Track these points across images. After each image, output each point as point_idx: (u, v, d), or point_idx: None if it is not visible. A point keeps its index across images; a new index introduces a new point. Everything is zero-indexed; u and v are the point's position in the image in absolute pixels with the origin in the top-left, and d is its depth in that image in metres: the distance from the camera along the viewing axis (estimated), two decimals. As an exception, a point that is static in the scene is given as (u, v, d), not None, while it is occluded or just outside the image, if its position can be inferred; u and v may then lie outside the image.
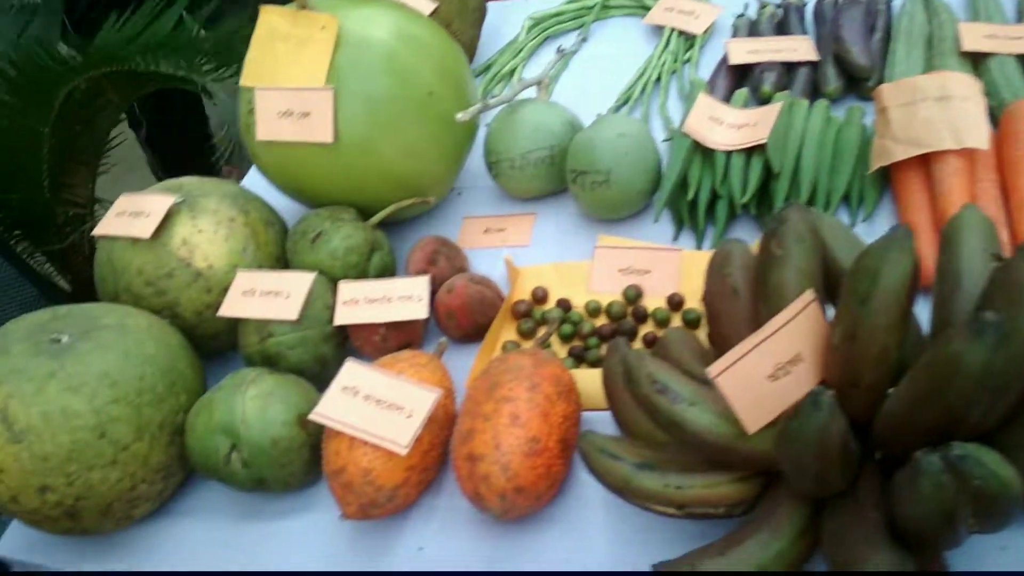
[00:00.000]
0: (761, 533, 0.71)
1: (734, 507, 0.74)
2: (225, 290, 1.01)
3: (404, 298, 1.00)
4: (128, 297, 1.01)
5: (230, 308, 0.99)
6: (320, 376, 0.99)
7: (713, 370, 0.68)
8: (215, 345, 1.05)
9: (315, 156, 1.05)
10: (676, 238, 1.08)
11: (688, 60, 1.31)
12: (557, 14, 1.46)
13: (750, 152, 1.06)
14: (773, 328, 0.69)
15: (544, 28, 1.44)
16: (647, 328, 0.98)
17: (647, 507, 0.74)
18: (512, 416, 0.80)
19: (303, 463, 0.90)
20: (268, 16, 1.08)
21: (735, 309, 0.77)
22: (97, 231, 1.03)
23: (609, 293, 1.03)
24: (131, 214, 1.02)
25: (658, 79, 1.30)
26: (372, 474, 0.82)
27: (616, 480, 0.74)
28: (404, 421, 0.83)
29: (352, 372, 0.87)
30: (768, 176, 1.03)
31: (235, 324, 1.02)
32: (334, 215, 1.06)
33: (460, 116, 1.07)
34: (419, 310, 0.99)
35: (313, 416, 0.84)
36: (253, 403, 0.88)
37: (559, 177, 1.15)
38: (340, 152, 1.04)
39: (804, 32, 1.26)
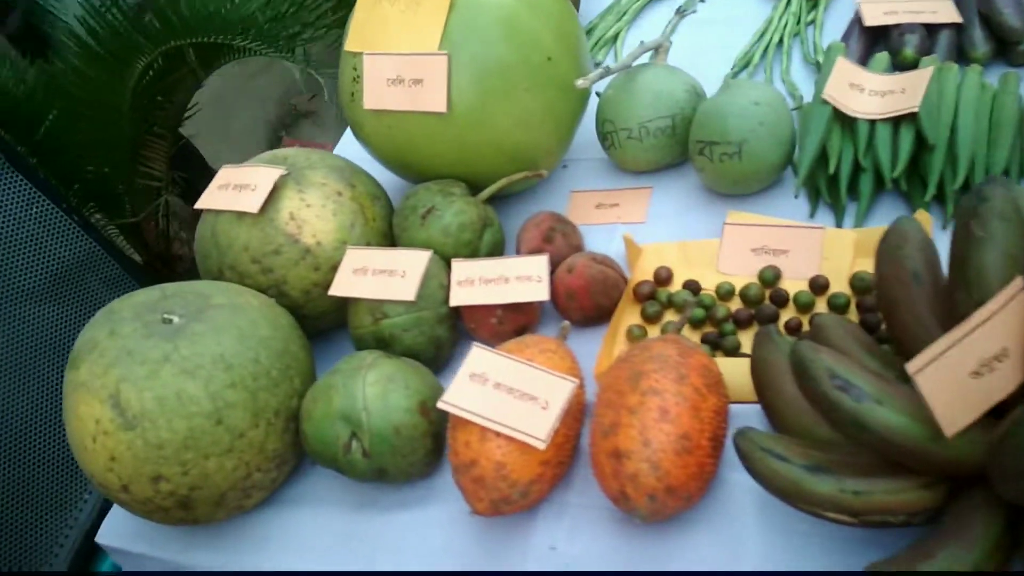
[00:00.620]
0: (954, 545, 0.63)
1: (915, 515, 0.67)
2: (333, 268, 0.96)
3: (522, 278, 0.93)
4: (233, 275, 0.96)
5: (342, 287, 0.93)
6: (434, 360, 0.94)
7: (912, 366, 0.61)
8: (320, 325, 1.00)
9: (425, 126, 0.99)
10: (813, 214, 1.00)
11: (812, 22, 1.22)
12: (661, -26, 1.37)
13: (897, 122, 0.97)
14: (978, 320, 0.61)
15: (650, -12, 1.36)
16: (788, 313, 0.91)
17: (817, 513, 0.68)
18: (661, 410, 0.73)
19: (425, 452, 0.84)
20: (375, -24, 1.02)
21: (917, 296, 0.70)
22: (201, 204, 0.99)
23: (740, 275, 0.96)
24: (235, 187, 0.97)
25: (779, 42, 1.21)
26: (506, 468, 0.76)
27: (784, 484, 0.68)
28: (540, 412, 0.77)
29: (480, 358, 0.81)
30: (919, 148, 0.95)
31: (343, 304, 0.97)
32: (444, 189, 1.00)
33: (580, 82, 1.00)
34: (539, 291, 0.92)
35: (442, 404, 0.79)
36: (374, 389, 0.83)
37: (680, 148, 1.07)
38: (452, 122, 0.98)
39: (941, -9, 1.16)
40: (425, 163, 1.02)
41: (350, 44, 1.03)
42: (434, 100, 0.96)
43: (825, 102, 1.00)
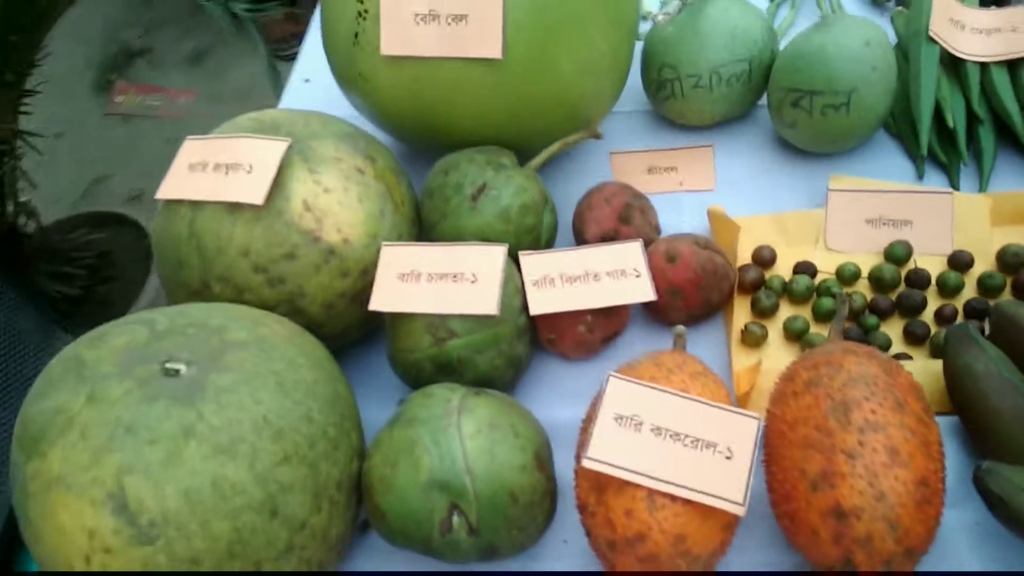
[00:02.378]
0: None
1: None
2: (364, 272, 0.72)
3: (615, 274, 0.73)
4: (225, 289, 0.70)
5: (387, 299, 0.70)
6: (508, 386, 0.73)
7: None
8: (337, 345, 0.76)
9: (468, 77, 0.75)
10: (921, 176, 0.85)
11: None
12: None
13: (1013, 66, 0.84)
14: None
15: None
16: (932, 300, 0.76)
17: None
18: (890, 451, 0.57)
19: (545, 519, 0.64)
20: None
21: None
22: (168, 192, 0.71)
23: (855, 252, 0.80)
24: (218, 166, 0.70)
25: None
26: (686, 542, 0.57)
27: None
28: (725, 464, 0.58)
29: (626, 395, 0.61)
30: (1047, 96, 0.82)
31: (369, 318, 0.74)
32: (492, 160, 0.77)
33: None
34: (641, 289, 0.73)
35: (590, 463, 0.58)
36: (476, 443, 0.61)
37: (752, 97, 0.89)
38: (506, 70, 0.75)
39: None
40: (462, 125, 0.79)
41: (352, -33, 0.77)
42: (485, 42, 0.73)
43: (932, 41, 0.85)
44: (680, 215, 0.87)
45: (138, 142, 2.54)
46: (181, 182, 0.71)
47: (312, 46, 1.12)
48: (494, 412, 0.63)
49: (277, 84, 1.31)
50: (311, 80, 1.08)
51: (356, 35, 0.77)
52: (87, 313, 1.67)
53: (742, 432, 0.59)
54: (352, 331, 0.76)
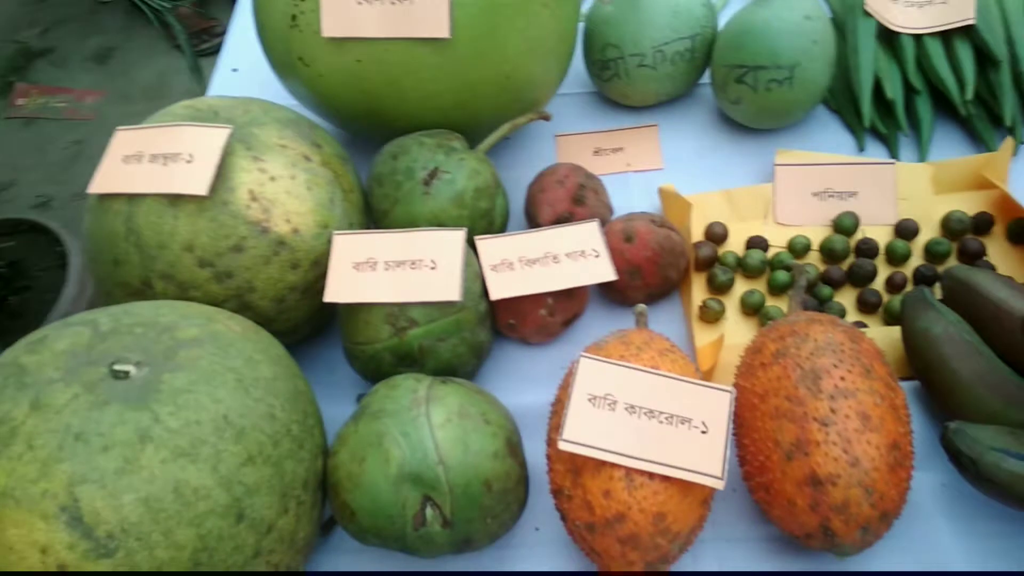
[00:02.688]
0: None
1: None
2: (315, 263, 0.69)
3: (574, 255, 0.72)
4: (169, 286, 0.66)
5: (342, 290, 0.67)
6: (471, 374, 0.72)
7: None
8: (287, 342, 0.73)
9: (413, 58, 0.73)
10: (862, 148, 0.86)
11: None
12: None
13: (946, 36, 0.86)
14: None
15: None
16: (886, 269, 0.77)
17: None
18: (862, 417, 0.57)
19: (519, 506, 0.63)
20: None
21: None
22: (101, 186, 0.67)
23: (803, 224, 0.81)
24: (155, 157, 0.67)
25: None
26: (666, 520, 0.57)
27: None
28: (701, 439, 0.58)
29: (593, 373, 0.60)
30: (981, 67, 0.84)
31: (320, 311, 0.71)
32: (443, 143, 0.75)
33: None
34: (601, 269, 0.72)
35: (566, 445, 0.57)
36: (447, 432, 0.59)
37: (695, 75, 0.89)
38: (452, 51, 0.73)
39: None
40: (408, 109, 0.77)
41: (287, -54, 0.73)
42: (431, 21, 0.71)
43: (868, 15, 0.86)
44: (629, 195, 0.86)
45: (43, 146, 2.42)
46: (115, 175, 0.66)
47: (239, 33, 1.08)
48: (463, 400, 0.61)
49: (200, 77, 1.26)
50: (239, 69, 1.04)
51: (294, 17, 0.74)
52: (1, 324, 1.59)
53: (715, 406, 0.59)
54: (303, 326, 0.73)
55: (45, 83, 2.63)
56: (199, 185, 0.64)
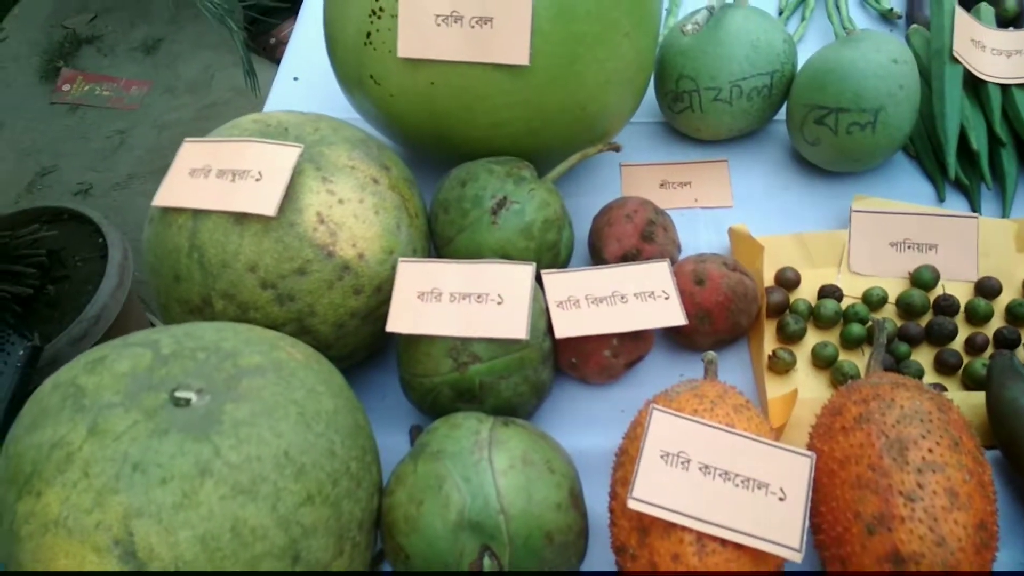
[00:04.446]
0: None
1: None
2: (378, 289, 0.67)
3: (643, 295, 0.70)
4: (229, 306, 0.64)
5: (405, 320, 0.65)
6: (530, 415, 0.69)
7: None
8: (342, 367, 0.71)
9: (489, 83, 0.71)
10: (943, 199, 0.83)
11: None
12: None
13: (1034, 88, 0.83)
14: None
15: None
16: (965, 328, 0.74)
17: None
18: (950, 494, 0.54)
19: (577, 559, 0.60)
20: None
21: None
22: (166, 199, 0.65)
23: (878, 275, 0.78)
24: (223, 173, 0.65)
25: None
26: (737, 589, 0.54)
27: None
28: (778, 506, 0.55)
29: (666, 428, 0.57)
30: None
31: (378, 336, 0.69)
32: (512, 172, 0.73)
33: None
34: (670, 312, 0.69)
35: (636, 504, 0.55)
36: (510, 480, 0.57)
37: (770, 113, 0.87)
38: (530, 78, 0.71)
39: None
40: (477, 134, 0.75)
41: (367, -39, 0.71)
42: (511, 47, 0.69)
43: (956, 61, 0.83)
44: (696, 232, 0.83)
45: (87, 133, 2.43)
46: (182, 189, 0.65)
47: (301, 41, 1.06)
48: (527, 445, 0.59)
49: (255, 84, 1.25)
50: (300, 78, 1.02)
51: (368, 34, 0.72)
52: (39, 313, 1.58)
53: (795, 471, 0.56)
54: (360, 352, 0.71)
55: (91, 70, 2.64)
56: (267, 205, 0.62)
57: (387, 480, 0.62)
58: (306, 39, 1.05)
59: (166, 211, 0.66)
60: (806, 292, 0.78)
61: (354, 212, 0.66)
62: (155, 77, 2.54)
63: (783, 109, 0.86)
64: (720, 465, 0.56)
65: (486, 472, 0.57)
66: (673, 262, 0.76)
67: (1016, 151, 0.82)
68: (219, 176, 0.65)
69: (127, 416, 0.51)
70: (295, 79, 1.02)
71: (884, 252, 0.78)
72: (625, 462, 0.59)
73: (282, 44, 2.31)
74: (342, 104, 0.83)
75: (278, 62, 1.11)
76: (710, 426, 0.57)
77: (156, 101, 2.44)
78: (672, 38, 0.85)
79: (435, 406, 0.66)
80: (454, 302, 0.65)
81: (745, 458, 0.56)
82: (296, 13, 1.16)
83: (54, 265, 1.71)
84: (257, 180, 0.63)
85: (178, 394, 0.52)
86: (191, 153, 0.67)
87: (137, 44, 2.68)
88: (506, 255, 0.71)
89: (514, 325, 0.64)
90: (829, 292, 0.76)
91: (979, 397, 0.66)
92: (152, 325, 1.46)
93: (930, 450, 0.55)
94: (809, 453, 0.57)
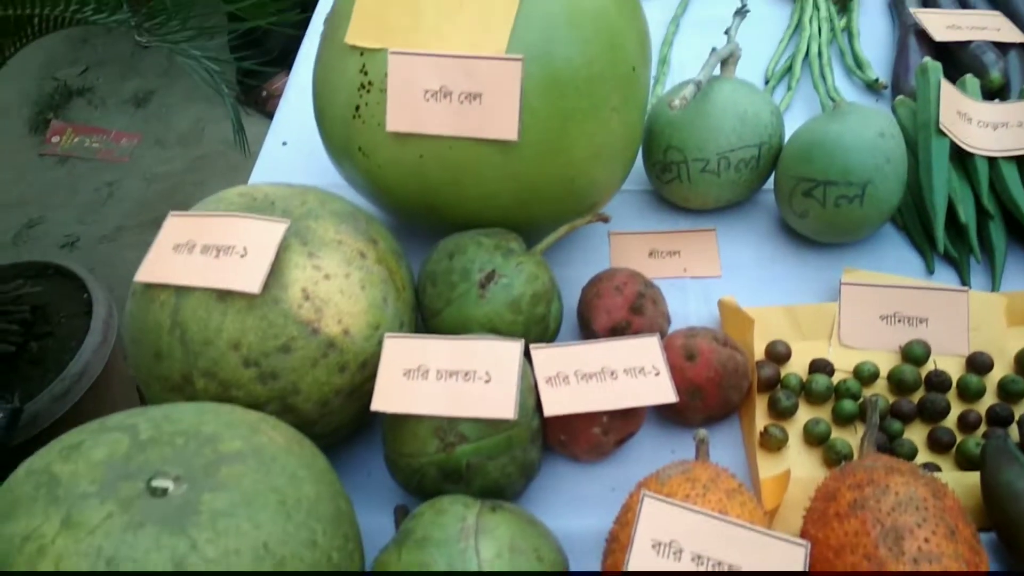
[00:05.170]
0: None
1: None
2: (363, 366, 0.66)
3: (632, 371, 0.69)
4: (211, 384, 0.63)
5: (391, 399, 0.64)
6: (516, 496, 0.68)
7: None
8: (326, 444, 0.69)
9: (478, 157, 0.71)
10: (932, 270, 0.83)
11: (845, 28, 1.06)
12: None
13: (1021, 160, 0.83)
14: None
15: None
16: (957, 405, 0.74)
17: None
18: (947, 585, 0.53)
19: (566, 651, 0.58)
20: (392, -59, 0.71)
21: None
22: (149, 275, 0.64)
23: (869, 348, 0.77)
24: (207, 248, 0.64)
25: (809, 52, 1.04)
26: None
27: None
28: (772, 598, 0.54)
29: (657, 516, 0.56)
30: (1057, 195, 0.81)
31: (361, 413, 0.68)
32: (500, 244, 0.73)
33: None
34: (662, 389, 0.68)
35: (627, 598, 0.53)
36: (496, 570, 0.55)
37: (758, 183, 0.87)
38: (518, 153, 0.71)
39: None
40: (467, 207, 0.74)
41: (355, 35, 0.72)
42: (500, 123, 0.69)
43: (942, 134, 0.84)
44: (686, 303, 0.83)
45: (75, 185, 2.42)
46: (164, 264, 0.64)
47: (292, 106, 1.06)
48: (515, 533, 0.58)
49: (245, 143, 1.25)
50: (289, 141, 1.02)
51: (357, 108, 0.72)
52: (21, 371, 1.56)
53: (789, 561, 0.55)
54: (344, 429, 0.69)
55: (82, 122, 2.65)
56: (252, 283, 0.61)
57: (370, 566, 0.60)
58: (297, 103, 1.05)
59: (148, 287, 0.65)
60: (797, 366, 0.77)
61: (340, 288, 0.65)
62: (145, 129, 2.54)
63: (771, 179, 0.86)
64: (713, 555, 0.55)
65: (472, 562, 0.55)
66: (663, 335, 0.75)
67: (1004, 224, 0.82)
68: (203, 252, 0.64)
69: (102, 508, 0.49)
70: (284, 143, 1.02)
71: (874, 325, 0.78)
72: (616, 549, 0.58)
73: (274, 97, 2.32)
74: (332, 167, 0.83)
75: (270, 115, 1.11)
76: (703, 514, 0.56)
77: (146, 153, 2.44)
78: (660, 108, 0.86)
79: (421, 487, 0.65)
80: (441, 380, 0.64)
81: (739, 547, 0.55)
82: (288, 67, 1.16)
83: (38, 321, 1.69)
84: (242, 256, 0.63)
85: (155, 483, 0.51)
86: (175, 227, 0.66)
87: (128, 96, 2.69)
88: (494, 329, 0.70)
89: (502, 405, 0.63)
90: (820, 367, 0.75)
91: (973, 478, 0.65)
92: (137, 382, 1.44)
93: (926, 540, 0.54)
94: (803, 542, 0.55)
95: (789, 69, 1.03)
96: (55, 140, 2.57)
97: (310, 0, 1.24)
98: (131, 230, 2.26)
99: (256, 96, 2.38)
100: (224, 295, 0.62)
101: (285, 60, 1.39)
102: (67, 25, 1.29)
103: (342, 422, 0.68)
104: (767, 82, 1.02)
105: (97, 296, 1.70)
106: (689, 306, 0.83)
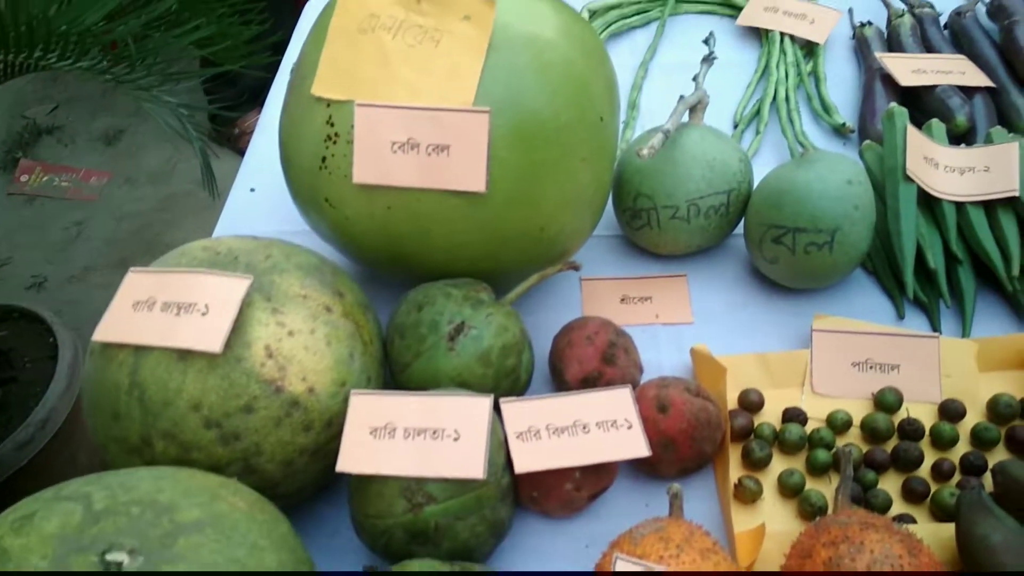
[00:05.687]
0: None
1: None
2: (329, 424, 0.64)
3: (604, 424, 0.68)
4: (170, 446, 0.61)
5: (357, 459, 0.62)
6: (485, 557, 0.66)
7: None
8: (290, 503, 0.68)
9: (446, 209, 0.70)
10: (902, 316, 0.83)
11: (812, 73, 1.07)
12: (615, 5, 1.16)
13: (989, 205, 0.84)
14: None
15: (607, 23, 1.14)
16: (930, 453, 0.73)
17: None
18: (925, 647, 0.52)
19: None
20: (358, -8, 0.71)
21: None
22: (107, 334, 0.62)
23: (841, 396, 0.77)
24: (167, 306, 0.62)
25: (777, 96, 1.04)
26: None
27: None
28: (748, 662, 0.52)
29: (632, 578, 0.55)
30: (1024, 238, 0.82)
31: (327, 472, 0.66)
32: (470, 295, 0.72)
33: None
34: (634, 443, 0.67)
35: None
36: (466, 638, 0.53)
37: (728, 229, 0.87)
38: (487, 204, 0.70)
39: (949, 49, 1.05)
40: (435, 257, 0.73)
41: (321, 87, 0.71)
42: (468, 175, 0.68)
43: (909, 180, 0.84)
44: (658, 349, 0.82)
45: (44, 224, 2.39)
46: (123, 323, 0.62)
47: (261, 150, 1.05)
48: (483, 597, 0.56)
49: (214, 188, 1.23)
50: (258, 188, 1.01)
51: (323, 159, 0.71)
52: (-18, 419, 1.52)
53: (765, 624, 0.54)
54: (309, 488, 0.68)
55: (51, 161, 2.62)
56: (213, 342, 0.60)
57: (336, 633, 0.59)
58: (266, 146, 1.04)
59: (107, 346, 0.63)
60: (770, 414, 0.77)
61: (305, 344, 0.64)
62: (115, 167, 2.52)
63: (741, 224, 0.86)
64: (687, 619, 0.53)
65: (441, 629, 0.54)
66: (635, 385, 0.74)
67: (973, 269, 0.82)
68: (163, 309, 0.62)
69: (52, 584, 0.47)
70: (252, 190, 1.01)
71: (846, 372, 0.77)
72: (588, 613, 0.56)
73: (246, 134, 2.31)
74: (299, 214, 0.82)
75: (242, 152, 1.10)
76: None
77: (116, 192, 2.41)
78: (630, 156, 0.85)
79: (388, 549, 0.63)
80: (408, 438, 0.63)
81: (713, 611, 0.54)
82: (261, 104, 1.15)
83: (1, 367, 1.65)
84: (203, 314, 0.61)
85: (109, 557, 0.49)
86: (135, 284, 0.64)
87: (98, 134, 2.67)
88: (464, 382, 0.69)
89: (471, 464, 0.61)
90: (793, 416, 0.75)
91: (948, 530, 0.64)
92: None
93: (903, 600, 0.53)
94: (779, 605, 0.54)
95: (757, 113, 1.03)
96: (24, 179, 2.53)
97: (282, 41, 1.24)
98: (99, 270, 2.23)
99: (228, 133, 2.37)
100: (185, 354, 0.61)
101: (258, 97, 1.38)
102: (33, 71, 1.28)
103: (307, 482, 0.66)
104: (736, 126, 1.03)
105: (63, 340, 1.67)
106: (662, 353, 0.82)
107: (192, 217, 2.31)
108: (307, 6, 1.26)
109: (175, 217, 2.33)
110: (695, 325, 0.85)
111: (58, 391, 1.60)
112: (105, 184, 2.47)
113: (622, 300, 0.87)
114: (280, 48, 1.23)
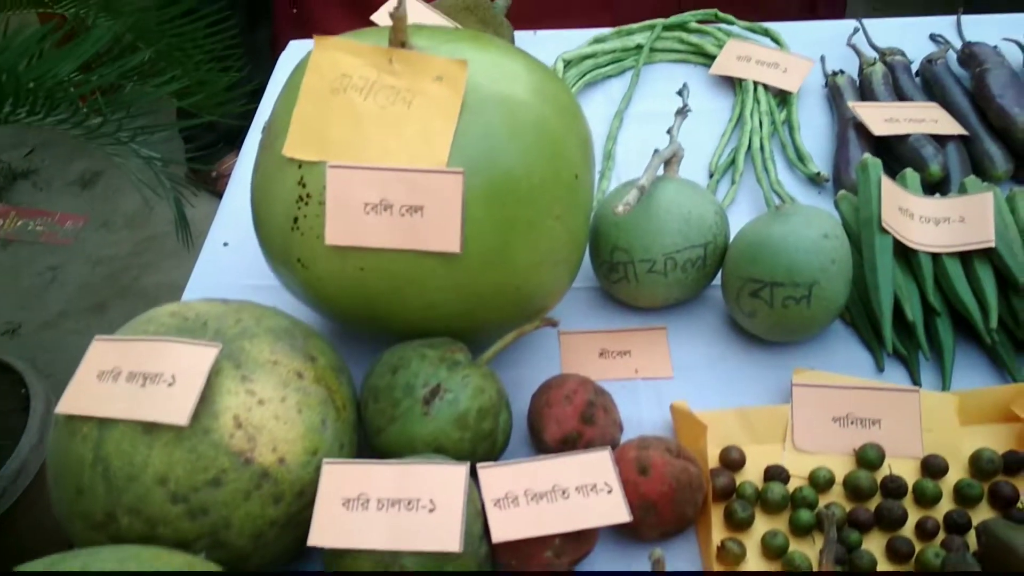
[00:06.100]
0: None
1: None
2: (300, 495, 0.63)
3: (584, 489, 0.67)
4: (136, 522, 0.59)
5: (331, 531, 0.61)
6: (468, 625, 0.64)
7: None
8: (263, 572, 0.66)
9: (420, 269, 0.69)
10: (882, 368, 0.83)
11: (786, 122, 1.07)
12: (590, 55, 1.17)
13: (965, 256, 0.84)
14: None
15: (581, 73, 1.14)
16: (913, 510, 0.72)
17: None
18: None
19: None
20: (329, 53, 0.71)
21: None
22: (70, 407, 0.61)
23: (823, 452, 0.76)
24: (133, 376, 0.61)
25: (751, 145, 1.05)
26: None
27: None
28: None
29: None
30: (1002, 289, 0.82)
31: (298, 543, 0.64)
32: (445, 356, 0.70)
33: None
34: (614, 508, 0.66)
35: None
36: None
37: (704, 282, 0.86)
38: (461, 264, 0.69)
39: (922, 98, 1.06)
40: (410, 317, 0.72)
41: (293, 147, 0.70)
42: (442, 235, 0.67)
43: (885, 231, 0.84)
44: (638, 405, 0.81)
45: (18, 269, 2.36)
46: (87, 394, 0.60)
47: (233, 204, 1.04)
48: (461, 677, 0.54)
49: (188, 239, 1.22)
50: (233, 238, 1.00)
51: (296, 220, 0.70)
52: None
53: None
54: (282, 559, 0.66)
55: (26, 205, 2.59)
56: (179, 414, 0.58)
57: None
58: (237, 203, 1.03)
59: (70, 418, 0.61)
60: (752, 472, 0.76)
61: (275, 413, 0.62)
62: (91, 211, 2.49)
63: (719, 275, 0.86)
64: None
65: None
66: (615, 444, 0.73)
67: (951, 320, 0.82)
68: (129, 380, 0.61)
69: None
70: (225, 244, 0.99)
71: (828, 428, 0.77)
72: None
73: (223, 177, 2.30)
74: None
75: (220, 195, 1.09)
76: (657, 652, 0.53)
77: (92, 236, 2.39)
78: (605, 210, 0.85)
79: (362, 622, 0.61)
80: (382, 510, 0.61)
81: None
82: (238, 148, 1.14)
83: (-30, 420, 1.62)
84: (170, 385, 0.60)
85: (67, 649, 0.47)
86: (100, 353, 0.63)
87: (74, 178, 2.65)
88: (440, 447, 0.68)
89: (446, 536, 0.60)
90: (775, 474, 0.74)
91: (935, 594, 0.63)
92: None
93: (889, 673, 0.52)
94: None
95: (732, 162, 1.03)
96: (-2, 224, 2.50)
97: (259, 88, 1.23)
98: (74, 316, 2.20)
99: (206, 176, 2.36)
100: (151, 427, 0.59)
101: (235, 140, 1.37)
102: (3, 124, 1.27)
103: (278, 554, 0.65)
104: (711, 176, 1.03)
105: (36, 391, 1.64)
106: (642, 409, 0.81)
107: (169, 260, 2.29)
108: (281, 56, 1.25)
109: (152, 260, 2.31)
110: (675, 380, 0.84)
111: (30, 444, 1.57)
112: (81, 228, 2.43)
113: (601, 354, 0.86)
114: (257, 95, 1.22)
